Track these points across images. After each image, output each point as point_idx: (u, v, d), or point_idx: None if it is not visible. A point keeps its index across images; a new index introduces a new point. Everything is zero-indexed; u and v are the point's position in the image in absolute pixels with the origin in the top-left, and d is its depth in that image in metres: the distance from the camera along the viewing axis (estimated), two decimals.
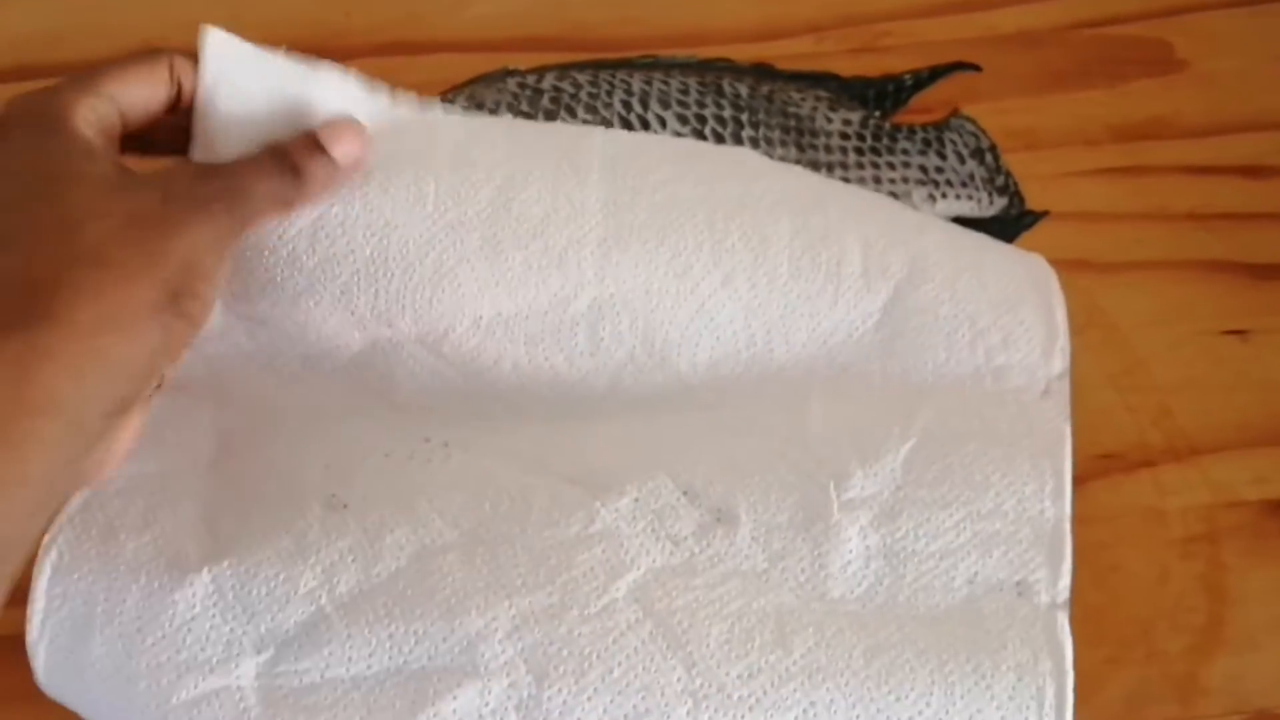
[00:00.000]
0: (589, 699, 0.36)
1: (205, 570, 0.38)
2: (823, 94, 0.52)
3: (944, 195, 0.50)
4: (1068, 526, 0.39)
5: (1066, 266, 0.50)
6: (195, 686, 0.37)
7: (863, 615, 0.38)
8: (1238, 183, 0.52)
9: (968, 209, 0.50)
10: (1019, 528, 0.39)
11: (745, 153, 0.47)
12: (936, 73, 0.54)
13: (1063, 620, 0.37)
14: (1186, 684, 0.43)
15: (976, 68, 0.54)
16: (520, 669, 0.36)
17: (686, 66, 0.52)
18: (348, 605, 0.37)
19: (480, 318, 0.41)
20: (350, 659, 0.37)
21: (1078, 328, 0.48)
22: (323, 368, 0.42)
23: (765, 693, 0.36)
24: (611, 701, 0.36)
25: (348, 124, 0.39)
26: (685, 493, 0.39)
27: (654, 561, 0.38)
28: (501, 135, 0.43)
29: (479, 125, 0.45)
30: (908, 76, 0.53)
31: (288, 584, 0.37)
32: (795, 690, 0.36)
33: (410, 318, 0.41)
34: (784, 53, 0.55)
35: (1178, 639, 0.43)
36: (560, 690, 0.36)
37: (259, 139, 0.38)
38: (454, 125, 0.44)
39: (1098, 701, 0.42)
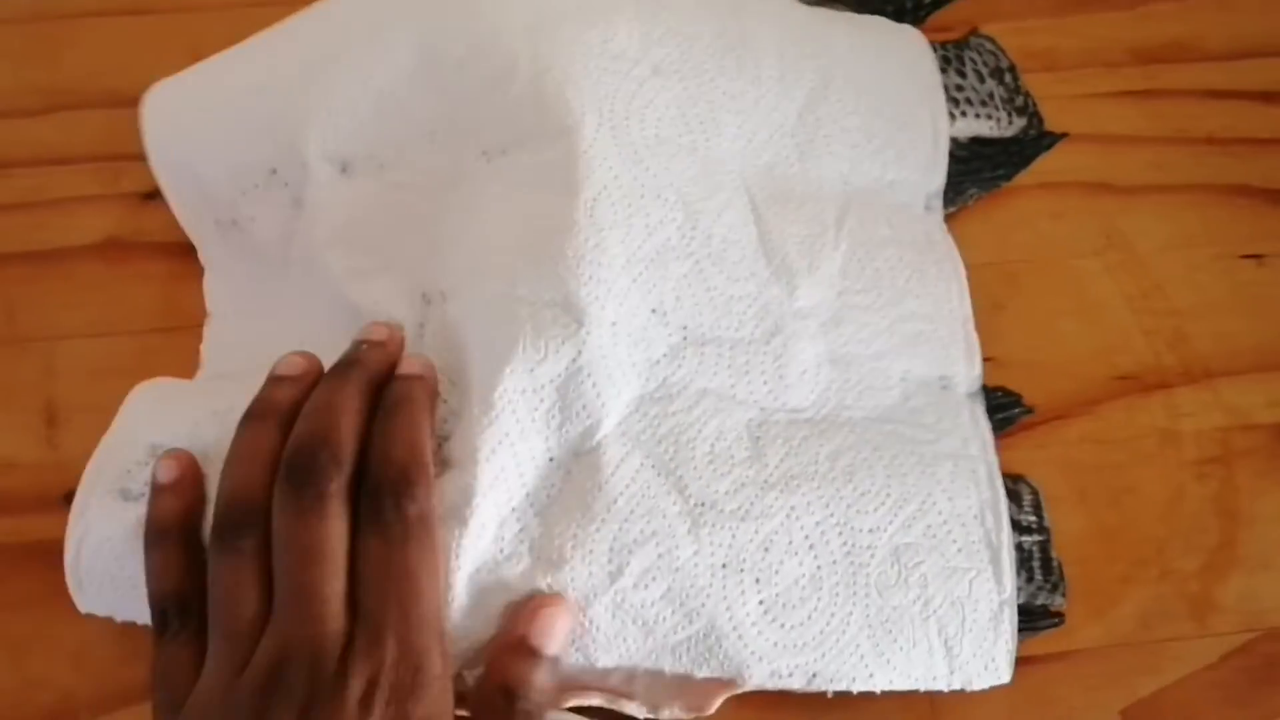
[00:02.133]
0: (596, 530, 0.38)
1: None
2: (840, 6, 0.51)
3: (963, 114, 0.49)
4: (972, 325, 0.45)
5: (1085, 189, 0.50)
6: None
7: (819, 422, 0.42)
8: (1258, 107, 0.51)
9: (986, 128, 0.49)
10: (937, 326, 0.44)
11: None
12: None
13: (979, 408, 0.44)
14: (1200, 602, 0.43)
15: None
16: (528, 513, 0.38)
17: None
18: None
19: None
20: None
21: (1096, 249, 0.48)
22: None
23: (752, 504, 0.39)
24: (620, 529, 0.38)
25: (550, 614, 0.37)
26: (654, 310, 0.40)
27: (634, 391, 0.40)
28: None
29: None
30: None
31: None
32: (776, 498, 0.39)
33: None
34: None
35: (1191, 558, 0.43)
36: (568, 526, 0.38)
37: None
38: None
39: (1112, 617, 0.42)
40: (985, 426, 0.43)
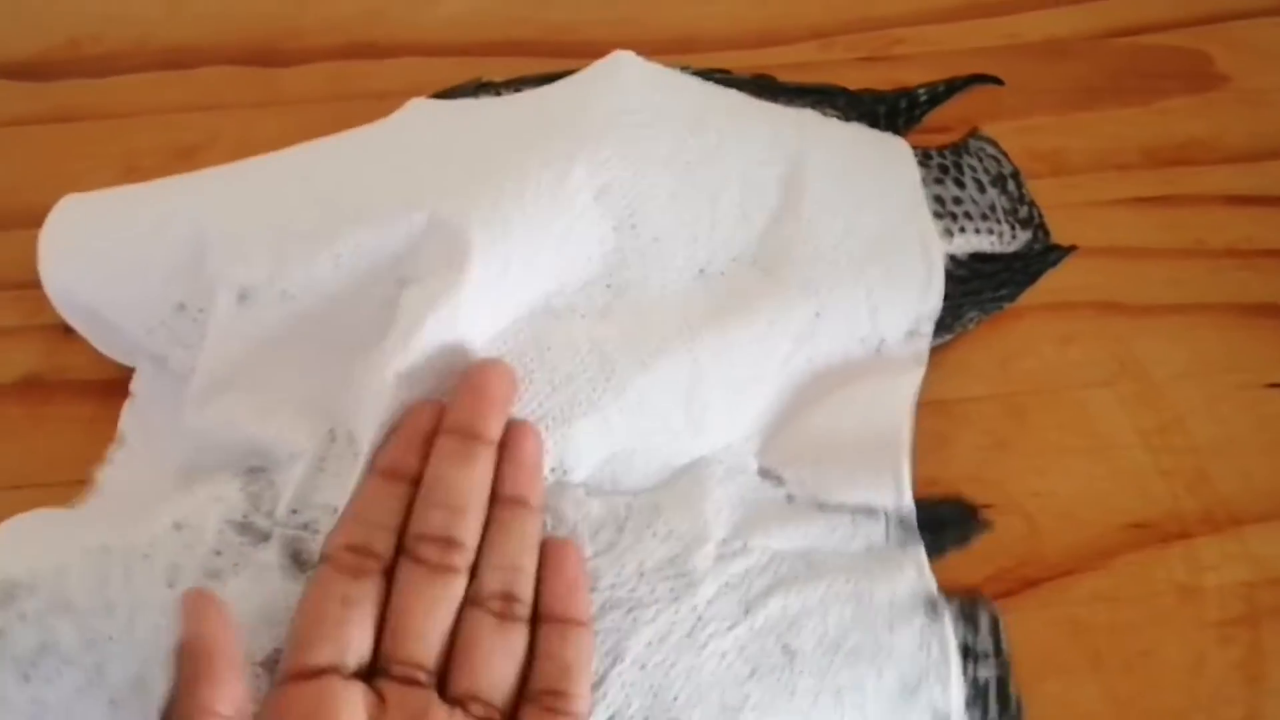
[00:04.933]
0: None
1: None
2: (830, 111, 0.47)
3: (961, 230, 0.45)
4: (906, 454, 0.41)
5: (1096, 310, 0.46)
6: None
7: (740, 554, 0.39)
8: None
9: (987, 244, 0.45)
10: (864, 458, 0.41)
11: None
12: (954, 86, 0.49)
13: (911, 533, 0.40)
14: None
15: (998, 81, 0.49)
16: None
17: None
18: None
19: None
20: None
21: (1108, 378, 0.44)
22: None
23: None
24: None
25: None
26: (551, 470, 0.38)
27: None
28: None
29: None
30: (922, 91, 0.48)
31: None
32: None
33: None
34: (786, 60, 0.50)
35: None
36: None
37: None
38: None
39: None
40: (920, 552, 0.40)
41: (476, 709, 0.32)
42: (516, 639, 0.34)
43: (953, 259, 0.44)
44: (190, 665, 0.30)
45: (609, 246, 0.40)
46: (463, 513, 0.34)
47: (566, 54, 0.50)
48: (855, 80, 0.49)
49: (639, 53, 0.50)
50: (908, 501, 0.40)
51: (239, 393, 0.39)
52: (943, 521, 0.40)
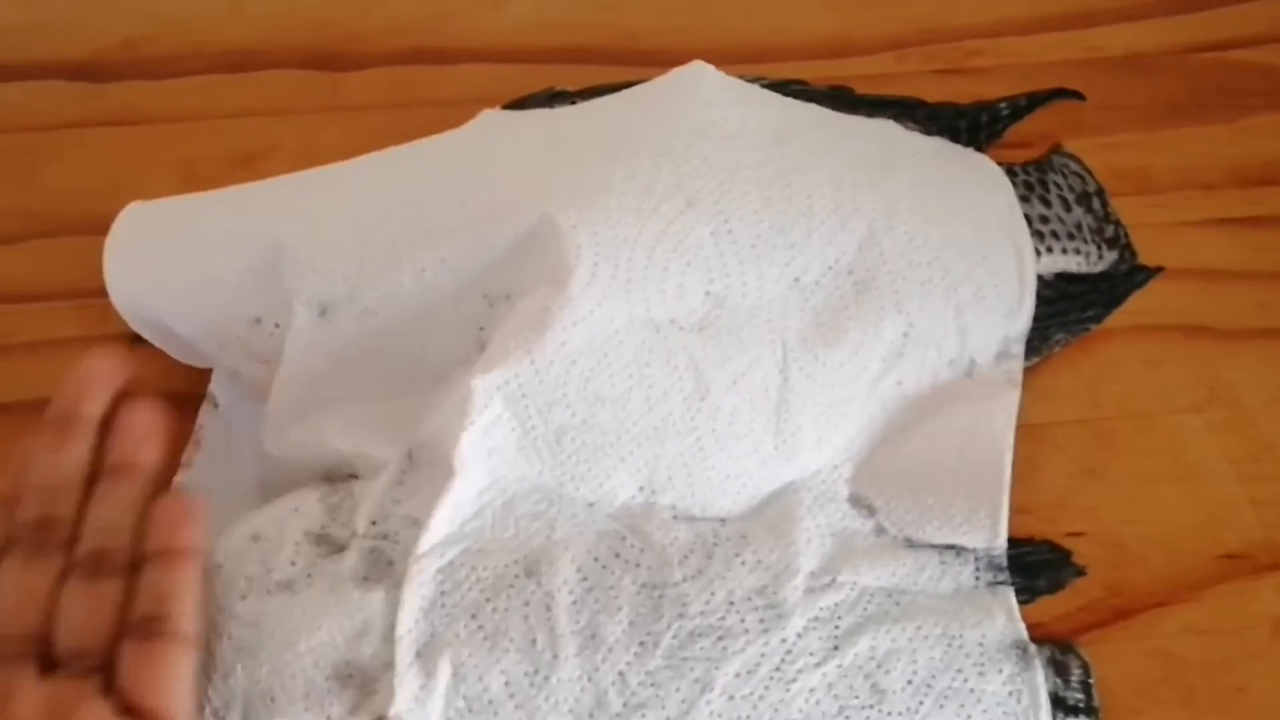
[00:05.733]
0: None
1: None
2: (910, 125, 0.46)
3: (1049, 249, 0.44)
4: (1006, 497, 0.40)
5: (1184, 333, 0.44)
6: None
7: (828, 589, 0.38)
8: None
9: (1074, 264, 0.44)
10: (952, 501, 0.39)
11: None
12: (1036, 100, 0.48)
13: (1001, 575, 0.39)
14: None
15: (1080, 96, 0.48)
16: None
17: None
18: None
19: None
20: None
21: (1198, 404, 0.43)
22: None
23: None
24: None
25: None
26: (641, 489, 0.38)
27: None
28: None
29: None
30: (1004, 105, 0.47)
31: None
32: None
33: None
34: (860, 72, 0.49)
35: None
36: None
37: None
38: None
39: None
40: (1010, 597, 0.38)
41: (76, 664, 0.32)
42: (109, 588, 0.33)
43: (1040, 279, 0.43)
44: None
45: (708, 251, 0.39)
46: (59, 491, 0.34)
47: (635, 61, 0.49)
48: (932, 93, 0.48)
49: (710, 61, 0.49)
50: (1001, 543, 0.39)
51: (320, 409, 0.38)
52: (1035, 566, 0.39)
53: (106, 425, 0.35)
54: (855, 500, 0.39)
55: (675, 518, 0.38)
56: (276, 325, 0.39)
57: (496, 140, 0.42)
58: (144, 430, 0.35)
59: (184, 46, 0.50)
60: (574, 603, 0.36)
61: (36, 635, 0.32)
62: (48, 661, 0.32)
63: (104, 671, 0.31)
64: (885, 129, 0.45)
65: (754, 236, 0.39)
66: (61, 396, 0.35)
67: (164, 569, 0.33)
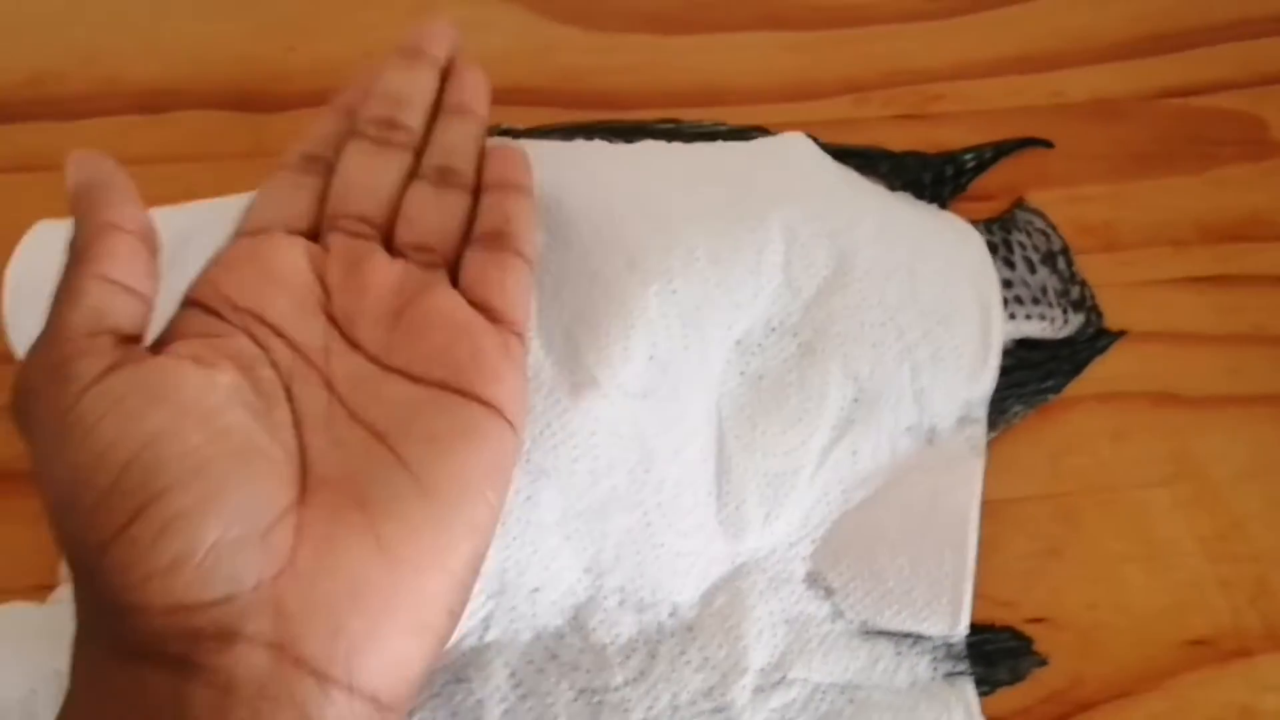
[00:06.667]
0: None
1: None
2: (873, 177, 0.43)
3: (1012, 315, 0.41)
4: (969, 584, 0.37)
5: (1150, 401, 0.43)
6: None
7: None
8: None
9: (1038, 330, 0.42)
10: (914, 585, 0.37)
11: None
12: (1001, 151, 0.45)
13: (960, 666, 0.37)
14: None
15: (1048, 144, 0.46)
16: None
17: (714, 134, 0.43)
18: None
19: None
20: None
21: (1165, 478, 0.41)
22: None
23: None
24: None
25: None
26: (586, 570, 0.36)
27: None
28: None
29: None
30: (969, 157, 0.45)
31: None
32: None
33: None
34: (818, 117, 0.46)
35: None
36: None
37: None
38: None
39: None
40: (969, 691, 0.37)
41: (420, 257, 0.33)
42: (455, 200, 0.34)
43: None
44: (84, 201, 0.29)
45: (651, 314, 0.36)
46: (407, 103, 0.35)
47: (578, 104, 0.46)
48: (893, 139, 0.46)
49: (661, 104, 0.46)
50: (962, 630, 0.37)
51: None
52: (994, 656, 0.37)
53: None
54: (812, 579, 0.37)
55: (622, 604, 0.35)
56: None
57: None
58: (477, 84, 0.37)
59: (95, 84, 0.46)
60: (506, 711, 0.34)
61: (379, 222, 0.34)
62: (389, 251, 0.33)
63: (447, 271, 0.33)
64: (851, 178, 0.43)
65: (698, 295, 0.37)
66: (405, 37, 0.36)
67: (506, 196, 0.34)
